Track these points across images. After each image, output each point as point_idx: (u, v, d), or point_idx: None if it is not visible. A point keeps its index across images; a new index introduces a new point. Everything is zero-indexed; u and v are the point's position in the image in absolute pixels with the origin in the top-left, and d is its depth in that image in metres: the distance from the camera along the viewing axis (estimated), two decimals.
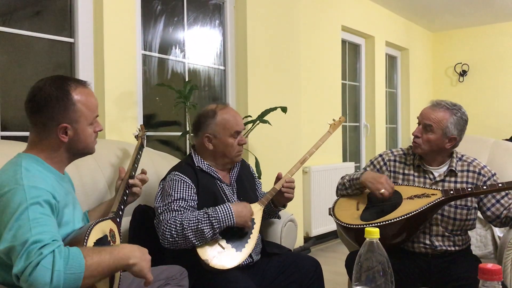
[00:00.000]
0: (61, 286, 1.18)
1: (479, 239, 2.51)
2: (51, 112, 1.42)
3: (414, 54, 6.58)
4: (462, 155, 2.16)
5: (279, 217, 2.31)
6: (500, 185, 1.94)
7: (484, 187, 1.96)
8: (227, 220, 1.85)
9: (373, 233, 1.16)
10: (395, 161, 2.21)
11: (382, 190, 2.01)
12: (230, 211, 1.86)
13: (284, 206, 2.24)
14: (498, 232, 2.50)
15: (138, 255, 1.38)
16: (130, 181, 1.82)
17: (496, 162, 2.54)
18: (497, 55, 6.59)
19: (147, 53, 3.05)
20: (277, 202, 2.17)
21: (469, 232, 2.18)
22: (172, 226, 1.84)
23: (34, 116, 1.45)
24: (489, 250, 2.48)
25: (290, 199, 2.15)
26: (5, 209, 1.26)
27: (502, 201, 2.05)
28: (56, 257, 1.18)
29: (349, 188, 2.20)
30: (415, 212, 1.94)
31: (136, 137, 2.22)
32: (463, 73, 6.86)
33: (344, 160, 5.25)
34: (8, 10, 2.42)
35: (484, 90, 6.70)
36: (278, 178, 2.13)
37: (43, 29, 2.54)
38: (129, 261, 1.35)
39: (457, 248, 2.06)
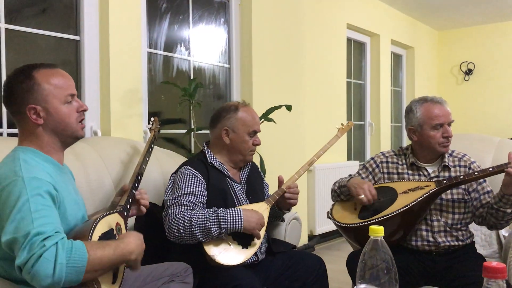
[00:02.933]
0: (62, 279, 1.19)
1: (484, 238, 2.50)
2: (19, 97, 1.42)
3: (419, 52, 6.57)
4: (453, 151, 2.19)
5: (283, 220, 2.32)
6: (490, 169, 1.95)
7: (476, 173, 1.98)
8: (235, 224, 1.86)
9: (377, 231, 1.16)
10: (387, 162, 2.23)
11: (361, 196, 2.02)
12: (239, 216, 1.87)
13: (289, 210, 2.24)
14: (503, 231, 2.49)
15: (140, 250, 1.42)
16: (142, 201, 1.75)
17: (501, 161, 2.53)
18: (502, 54, 6.57)
19: (152, 51, 3.05)
20: (282, 206, 2.17)
21: (474, 231, 2.19)
22: (180, 221, 1.84)
23: (8, 106, 1.46)
24: (494, 249, 2.48)
25: (294, 204, 2.15)
26: (6, 201, 1.27)
27: (481, 198, 2.08)
28: (59, 250, 1.19)
29: (341, 195, 2.22)
30: (411, 204, 1.95)
31: (150, 130, 2.22)
32: (469, 72, 6.84)
33: (349, 158, 5.24)
34: (15, 8, 2.43)
35: (490, 89, 6.68)
36: (280, 181, 2.13)
37: (49, 27, 2.55)
38: (131, 257, 1.38)
39: (460, 243, 2.07)
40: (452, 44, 7.02)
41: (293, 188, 2.11)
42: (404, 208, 1.95)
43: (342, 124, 2.39)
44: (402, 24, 6.10)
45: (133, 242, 1.40)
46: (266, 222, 2.01)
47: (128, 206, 1.68)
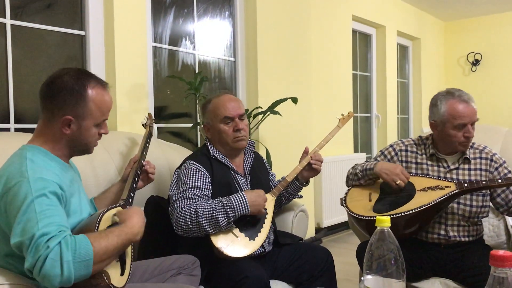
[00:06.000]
0: (72, 275, 1.20)
1: (492, 229, 2.49)
2: (61, 102, 1.42)
3: (425, 43, 6.52)
4: (473, 143, 2.15)
5: (301, 196, 2.32)
6: None
7: (499, 180, 1.93)
8: (241, 209, 1.87)
9: (384, 221, 1.15)
10: (406, 150, 2.20)
11: (398, 181, 2.01)
12: (244, 200, 1.87)
13: (307, 182, 2.25)
14: (511, 221, 2.48)
15: (142, 230, 1.44)
16: (148, 168, 1.85)
17: (509, 151, 2.52)
18: (510, 44, 6.51)
19: (158, 45, 3.06)
20: (301, 178, 2.19)
21: (482, 222, 2.18)
22: (186, 213, 1.85)
23: (46, 102, 1.45)
24: (502, 240, 2.46)
25: (318, 171, 2.19)
26: (12, 202, 1.28)
27: (507, 191, 2.04)
28: (63, 248, 1.19)
29: (362, 179, 2.19)
30: (428, 205, 1.92)
31: (144, 125, 2.24)
32: (476, 63, 6.78)
33: (356, 151, 5.23)
34: (20, 3, 2.44)
35: (497, 79, 6.63)
36: (305, 152, 2.19)
37: (54, 22, 2.56)
38: (136, 238, 1.41)
39: (471, 238, 2.06)
40: (459, 34, 6.96)
41: (317, 156, 2.17)
42: (421, 208, 1.93)
43: (342, 115, 2.38)
44: (408, 15, 6.06)
45: (136, 224, 1.41)
46: (271, 214, 2.02)
47: (130, 200, 1.70)
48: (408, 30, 6.07)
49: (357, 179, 2.21)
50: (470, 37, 6.85)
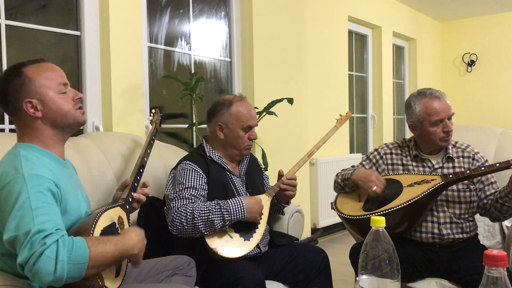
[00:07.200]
0: (64, 276, 1.19)
1: (487, 229, 2.49)
2: (12, 95, 1.42)
3: (421, 44, 6.54)
4: (456, 142, 2.18)
5: (283, 213, 2.31)
6: (497, 165, 1.94)
7: (482, 168, 1.96)
8: (238, 214, 1.86)
9: (379, 221, 1.15)
10: (391, 153, 2.22)
11: (374, 188, 2.02)
12: (241, 206, 1.87)
13: (287, 203, 2.23)
14: (506, 222, 2.48)
15: (141, 245, 1.42)
16: (135, 195, 1.72)
17: (504, 152, 2.52)
18: (505, 45, 6.53)
19: (153, 45, 3.05)
20: (280, 199, 2.17)
21: (477, 222, 2.19)
22: (182, 214, 1.85)
23: (5, 107, 1.45)
24: (497, 240, 2.47)
25: (291, 197, 2.13)
26: (7, 199, 1.27)
27: (485, 188, 2.08)
28: (59, 247, 1.19)
29: (345, 187, 2.22)
30: (417, 198, 1.95)
31: (151, 122, 2.22)
32: (471, 63, 6.80)
33: (351, 151, 5.24)
34: (15, 3, 2.43)
35: (493, 80, 6.65)
36: (280, 175, 2.12)
37: (49, 23, 2.55)
38: (133, 252, 1.39)
39: (465, 235, 2.07)
40: (455, 35, 6.98)
41: (290, 179, 2.09)
42: (410, 202, 1.94)
43: (340, 115, 2.38)
44: (403, 15, 6.07)
45: (134, 237, 1.40)
46: (267, 215, 2.02)
47: (130, 200, 1.69)
48: (404, 30, 6.08)
49: (341, 188, 2.24)
50: (466, 38, 6.87)
